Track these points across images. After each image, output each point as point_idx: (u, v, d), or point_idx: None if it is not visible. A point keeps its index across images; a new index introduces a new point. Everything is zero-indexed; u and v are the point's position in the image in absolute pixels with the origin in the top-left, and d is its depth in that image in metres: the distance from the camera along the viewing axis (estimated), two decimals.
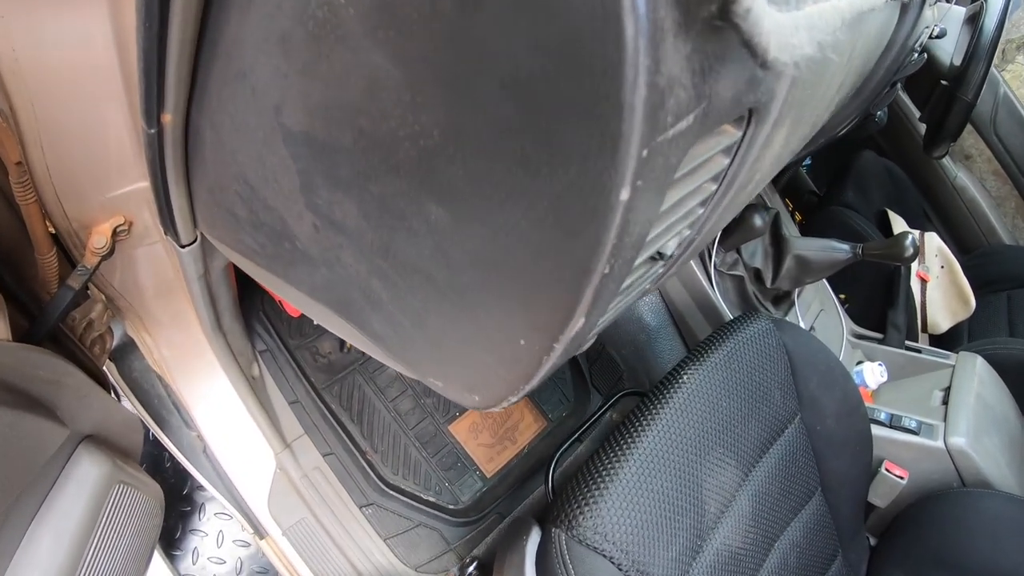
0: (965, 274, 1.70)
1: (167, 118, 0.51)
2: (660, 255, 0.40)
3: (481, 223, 0.35)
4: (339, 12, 0.32)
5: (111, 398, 0.80)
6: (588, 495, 0.76)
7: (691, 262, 1.23)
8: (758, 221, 1.16)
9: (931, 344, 1.58)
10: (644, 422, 0.84)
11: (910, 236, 1.15)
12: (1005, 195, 1.97)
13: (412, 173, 0.36)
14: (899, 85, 1.05)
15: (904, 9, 0.84)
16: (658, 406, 0.86)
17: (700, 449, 0.86)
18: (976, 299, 1.69)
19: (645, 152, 0.27)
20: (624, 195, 0.28)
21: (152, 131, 0.52)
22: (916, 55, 0.96)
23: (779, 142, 0.44)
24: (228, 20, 0.41)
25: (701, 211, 0.41)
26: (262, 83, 0.41)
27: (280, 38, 0.37)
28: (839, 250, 1.22)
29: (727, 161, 0.38)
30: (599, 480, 0.78)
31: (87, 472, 0.69)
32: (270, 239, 0.55)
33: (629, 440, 0.82)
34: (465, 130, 0.32)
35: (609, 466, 0.79)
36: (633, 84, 0.25)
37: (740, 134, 0.37)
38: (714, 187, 0.40)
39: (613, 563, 0.74)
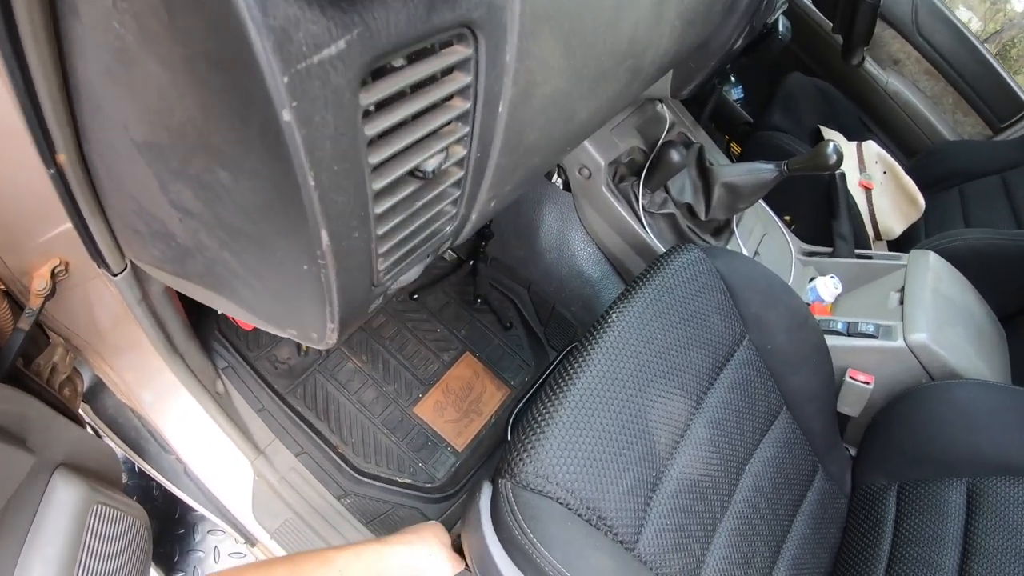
0: (913, 176, 1.72)
1: (61, 157, 0.55)
2: (421, 172, 0.45)
3: (243, 173, 0.41)
4: (124, 39, 0.38)
5: (81, 429, 0.84)
6: (527, 442, 0.78)
7: (619, 207, 1.26)
8: (675, 156, 1.17)
9: (891, 250, 1.59)
10: (577, 365, 0.85)
11: (831, 143, 1.16)
12: (940, 92, 1.97)
13: (200, 149, 0.41)
14: None
15: None
16: (589, 348, 0.87)
17: (639, 383, 0.87)
18: (928, 198, 1.71)
19: (286, 78, 0.33)
20: (286, 115, 0.34)
21: (51, 171, 0.56)
22: None
23: (553, 54, 0.49)
24: (77, 67, 0.46)
25: (466, 128, 0.46)
26: (110, 109, 0.46)
27: (107, 70, 0.42)
28: (764, 170, 1.23)
29: (469, 77, 0.43)
30: (536, 427, 0.79)
31: (63, 496, 0.72)
32: (164, 242, 0.59)
33: (563, 385, 0.83)
34: (206, 104, 0.38)
35: (545, 412, 0.80)
36: (250, 30, 0.31)
37: (471, 51, 0.42)
38: (467, 103, 0.45)
39: (560, 503, 0.75)
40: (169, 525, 1.23)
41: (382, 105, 0.40)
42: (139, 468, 1.14)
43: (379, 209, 0.44)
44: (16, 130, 0.64)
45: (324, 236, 0.40)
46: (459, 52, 0.42)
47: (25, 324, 0.80)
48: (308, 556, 0.71)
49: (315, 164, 0.37)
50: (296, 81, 0.33)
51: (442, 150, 0.46)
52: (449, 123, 0.46)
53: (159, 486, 1.17)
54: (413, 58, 0.40)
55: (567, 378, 0.84)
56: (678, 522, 0.86)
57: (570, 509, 0.76)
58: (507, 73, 0.47)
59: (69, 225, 0.74)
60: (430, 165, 0.45)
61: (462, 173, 0.51)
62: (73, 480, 0.75)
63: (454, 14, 0.39)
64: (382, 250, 0.49)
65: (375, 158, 0.41)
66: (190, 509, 1.23)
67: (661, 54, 0.79)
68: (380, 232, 0.46)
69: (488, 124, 0.49)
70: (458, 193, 0.53)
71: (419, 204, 0.49)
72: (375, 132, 0.40)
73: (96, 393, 1.09)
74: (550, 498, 0.75)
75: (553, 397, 0.82)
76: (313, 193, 0.38)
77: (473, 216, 0.61)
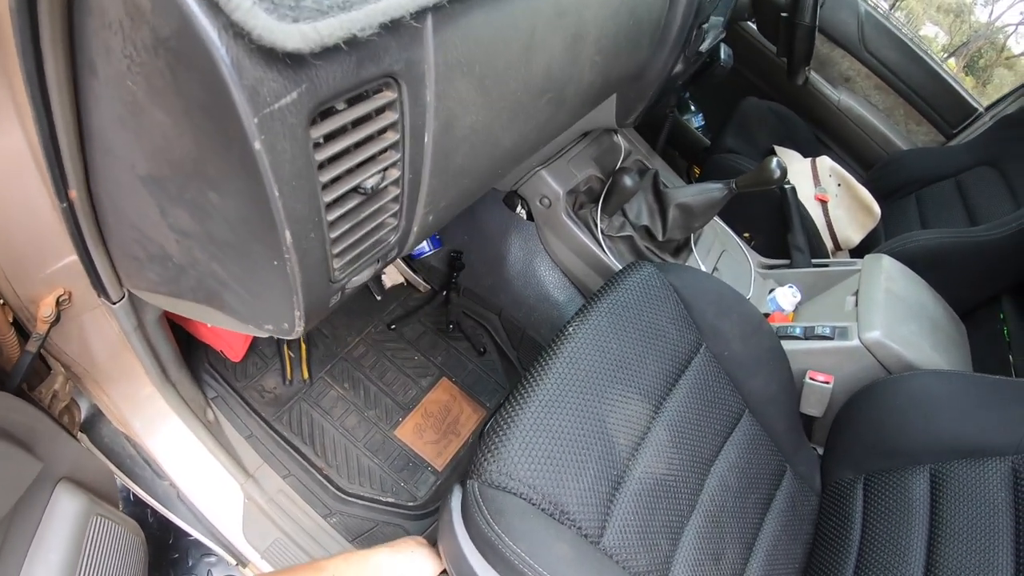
0: (871, 187, 1.79)
1: (73, 193, 0.64)
2: (363, 189, 0.58)
3: (228, 193, 0.51)
4: (136, 95, 0.48)
5: (81, 446, 0.90)
6: (492, 445, 0.84)
7: (579, 233, 1.34)
8: (628, 182, 1.25)
9: (851, 258, 1.64)
10: (537, 374, 0.92)
11: (774, 159, 1.23)
12: (891, 105, 2.05)
13: (195, 177, 0.52)
14: (710, 27, 1.14)
15: None
16: (549, 359, 0.93)
17: (595, 389, 0.93)
18: (886, 206, 1.77)
19: (256, 119, 0.44)
20: (257, 145, 0.45)
21: (64, 205, 0.65)
22: None
23: (468, 93, 0.62)
24: (92, 116, 0.56)
25: (397, 155, 0.59)
26: (120, 151, 0.56)
27: (119, 119, 0.52)
28: (714, 189, 1.31)
29: (396, 115, 0.56)
30: (500, 431, 0.86)
31: (65, 507, 0.79)
32: (161, 265, 0.68)
33: (525, 393, 0.90)
34: (199, 141, 0.48)
35: (508, 418, 0.87)
36: (231, 88, 0.42)
37: (395, 95, 0.55)
38: (396, 135, 0.57)
39: (523, 498, 0.81)
40: (164, 550, 1.27)
41: (330, 136, 0.52)
42: (134, 496, 1.19)
43: (331, 217, 0.56)
44: (25, 175, 0.73)
45: (287, 235, 0.53)
46: (386, 96, 0.55)
47: (33, 347, 0.88)
48: (302, 567, 0.79)
49: (278, 180, 0.49)
50: (263, 121, 0.45)
51: (379, 172, 0.58)
52: (384, 151, 0.58)
53: (153, 513, 1.22)
54: (352, 101, 0.52)
55: (528, 386, 0.90)
56: (643, 518, 0.91)
57: (532, 504, 0.82)
58: (428, 110, 0.59)
59: (72, 258, 0.84)
60: (369, 183, 0.58)
61: (399, 191, 0.63)
62: (75, 492, 0.81)
63: (378, 68, 0.51)
64: (336, 251, 0.60)
65: (325, 177, 0.53)
66: (184, 534, 1.28)
67: (585, 86, 0.88)
68: (333, 236, 0.58)
69: (417, 151, 0.62)
70: (397, 207, 0.65)
71: (364, 215, 0.61)
72: (324, 157, 0.52)
73: (93, 422, 1.15)
74: (513, 494, 0.81)
75: (515, 403, 0.89)
76: (278, 202, 0.50)
77: (414, 228, 0.71)
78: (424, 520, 1.25)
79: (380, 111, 0.55)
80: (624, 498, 0.90)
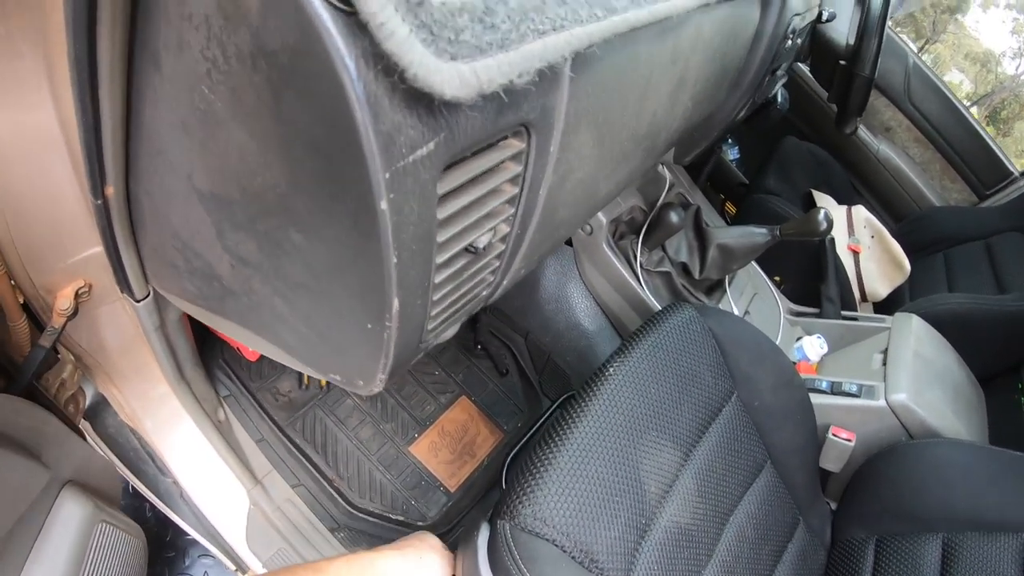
0: (900, 240, 1.78)
1: (110, 190, 0.59)
2: (473, 248, 0.51)
3: (320, 239, 0.45)
4: (212, 104, 0.42)
5: (88, 445, 0.86)
6: (527, 486, 0.81)
7: (617, 264, 1.31)
8: (674, 218, 1.23)
9: (876, 312, 1.64)
10: (575, 415, 0.89)
11: (823, 211, 1.21)
12: (929, 159, 2.05)
13: (277, 212, 0.46)
14: (781, 72, 1.13)
15: (766, 3, 0.92)
16: (587, 399, 0.91)
17: (632, 434, 0.91)
18: (914, 262, 1.76)
19: (387, 175, 0.37)
20: (383, 205, 0.39)
21: (99, 202, 0.60)
22: (790, 42, 1.03)
23: (587, 144, 0.56)
24: (144, 112, 0.50)
25: (512, 209, 0.53)
26: (175, 157, 0.51)
27: (181, 124, 0.47)
28: (758, 234, 1.29)
29: (520, 167, 0.50)
30: (536, 472, 0.82)
31: (71, 513, 0.75)
32: (204, 281, 0.63)
33: (562, 433, 0.87)
34: (296, 177, 0.42)
35: (544, 458, 0.84)
36: (362, 134, 0.35)
37: (524, 145, 0.48)
38: (515, 189, 0.51)
39: (556, 545, 0.78)
40: (160, 547, 1.24)
41: (448, 192, 0.45)
42: (133, 488, 1.15)
43: (437, 279, 0.50)
44: (53, 157, 0.68)
45: (395, 304, 0.46)
46: (514, 146, 0.49)
47: (47, 342, 0.83)
48: (302, 567, 0.73)
49: (399, 245, 0.42)
50: (395, 177, 0.38)
51: (491, 229, 0.53)
52: (499, 205, 0.52)
53: (152, 507, 1.18)
54: (476, 152, 0.46)
55: (565, 426, 0.87)
56: (664, 568, 0.88)
57: (564, 551, 0.79)
58: (550, 162, 0.53)
59: (96, 249, 0.78)
60: (481, 242, 0.52)
61: (504, 247, 0.58)
62: (81, 498, 0.77)
63: (516, 116, 0.45)
64: (433, 313, 0.54)
65: (441, 237, 0.47)
66: (182, 532, 1.24)
67: (672, 132, 0.86)
68: (435, 298, 0.52)
69: (530, 206, 0.56)
70: (498, 264, 0.60)
71: (467, 274, 0.55)
72: (444, 215, 0.45)
73: (97, 411, 1.11)
74: (546, 540, 0.78)
75: (552, 443, 0.86)
76: (393, 270, 0.43)
77: (505, 282, 0.67)
78: None
79: (501, 163, 0.49)
80: (649, 547, 0.88)
